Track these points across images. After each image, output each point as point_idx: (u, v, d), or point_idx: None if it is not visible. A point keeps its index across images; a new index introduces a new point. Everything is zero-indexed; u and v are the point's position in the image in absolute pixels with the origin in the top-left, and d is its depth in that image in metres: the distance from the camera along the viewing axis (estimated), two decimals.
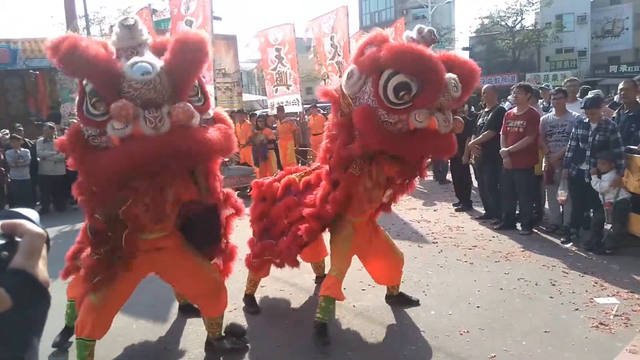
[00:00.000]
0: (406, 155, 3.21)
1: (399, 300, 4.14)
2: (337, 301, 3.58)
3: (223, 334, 3.48)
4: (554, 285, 4.44)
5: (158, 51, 2.58)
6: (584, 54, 34.77)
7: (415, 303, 4.12)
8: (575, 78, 7.69)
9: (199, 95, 2.74)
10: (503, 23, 35.34)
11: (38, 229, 0.66)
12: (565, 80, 7.19)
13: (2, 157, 8.62)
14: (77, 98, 2.64)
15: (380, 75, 2.90)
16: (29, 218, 0.68)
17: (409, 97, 2.85)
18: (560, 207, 6.15)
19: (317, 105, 12.31)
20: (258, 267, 3.89)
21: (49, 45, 2.44)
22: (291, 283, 4.68)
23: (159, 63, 2.43)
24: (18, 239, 0.64)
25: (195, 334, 3.76)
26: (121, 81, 2.36)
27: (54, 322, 3.48)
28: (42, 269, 0.65)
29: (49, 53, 2.44)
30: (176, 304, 4.20)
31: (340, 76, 12.36)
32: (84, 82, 2.53)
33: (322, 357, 3.39)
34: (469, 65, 3.03)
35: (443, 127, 2.91)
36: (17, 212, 0.69)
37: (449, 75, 2.83)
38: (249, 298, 4.19)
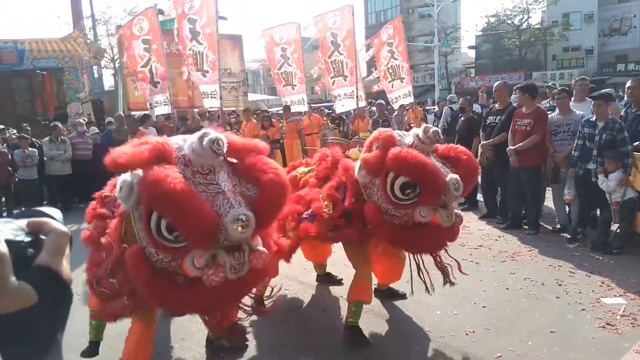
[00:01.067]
0: (409, 250, 3.51)
1: (386, 294, 4.23)
2: (341, 300, 3.56)
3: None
4: (560, 285, 4.42)
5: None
6: (591, 52, 34.57)
7: (402, 296, 4.20)
8: (585, 77, 7.60)
9: None
10: (509, 21, 35.22)
11: (63, 228, 0.68)
12: (576, 79, 7.12)
13: (9, 156, 8.69)
14: (138, 216, 2.29)
15: (387, 175, 3.10)
16: (53, 217, 0.70)
17: (414, 194, 3.03)
18: (567, 206, 6.12)
19: (314, 105, 12.33)
20: None
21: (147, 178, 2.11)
22: (299, 281, 4.69)
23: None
24: (43, 237, 0.65)
25: (201, 332, 3.77)
26: (219, 232, 2.13)
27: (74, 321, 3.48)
28: (65, 267, 0.66)
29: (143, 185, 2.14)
30: None
31: (333, 76, 12.39)
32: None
33: (328, 356, 3.39)
34: (473, 165, 3.29)
35: (446, 221, 3.08)
36: (42, 211, 0.71)
37: (450, 176, 3.02)
38: (259, 301, 4.16)
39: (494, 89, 6.85)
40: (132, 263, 2.29)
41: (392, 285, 4.27)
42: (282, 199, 2.39)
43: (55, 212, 0.72)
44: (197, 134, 2.27)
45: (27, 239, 0.64)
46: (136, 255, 2.29)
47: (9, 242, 0.60)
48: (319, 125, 11.65)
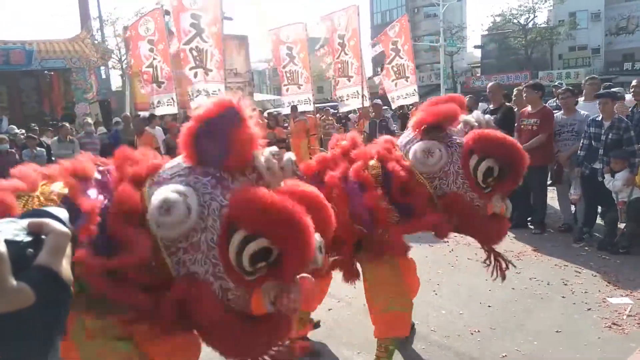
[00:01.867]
0: (487, 242, 3.19)
1: None
2: (346, 300, 3.48)
3: None
4: (566, 284, 4.42)
5: None
6: (597, 51, 34.40)
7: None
8: (595, 76, 7.50)
9: None
10: (515, 21, 35.08)
11: (63, 228, 0.67)
12: (586, 78, 7.08)
13: (17, 156, 8.76)
14: (206, 231, 1.75)
15: (470, 158, 2.77)
16: (58, 217, 0.69)
17: (493, 182, 2.78)
18: (573, 205, 6.11)
19: (320, 105, 12.32)
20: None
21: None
22: None
23: None
24: (44, 237, 0.65)
25: None
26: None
27: None
28: (65, 267, 0.66)
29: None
30: None
31: (339, 76, 12.29)
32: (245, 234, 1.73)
33: (334, 356, 3.40)
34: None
35: (508, 212, 2.94)
36: (46, 211, 0.70)
37: None
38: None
39: (487, 90, 6.87)
40: (210, 305, 1.78)
41: None
42: (330, 212, 2.01)
43: (61, 212, 0.71)
44: (268, 151, 1.91)
45: (27, 239, 0.64)
46: (210, 295, 1.79)
47: (8, 242, 0.60)
48: (315, 126, 11.48)
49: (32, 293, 0.60)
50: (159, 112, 10.44)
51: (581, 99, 6.70)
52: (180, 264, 1.77)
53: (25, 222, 0.66)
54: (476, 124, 2.88)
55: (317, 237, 1.80)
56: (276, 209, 1.68)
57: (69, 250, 0.68)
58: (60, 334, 0.67)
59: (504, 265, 3.35)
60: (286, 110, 12.36)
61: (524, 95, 6.18)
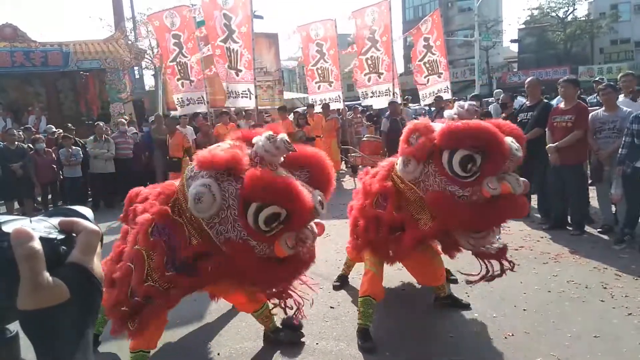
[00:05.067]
0: (489, 227, 3.16)
1: (448, 303, 4.02)
2: (380, 302, 3.53)
3: (279, 325, 3.58)
4: (605, 288, 4.24)
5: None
6: None
7: (466, 307, 3.99)
8: (631, 72, 7.20)
9: None
10: (554, 14, 34.12)
11: (94, 227, 0.69)
12: (620, 75, 6.82)
13: (53, 155, 9.03)
14: (230, 209, 2.41)
15: (441, 156, 2.95)
16: (85, 215, 0.71)
17: (476, 168, 2.88)
18: (613, 206, 5.86)
19: (349, 102, 12.20)
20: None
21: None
22: (331, 280, 4.67)
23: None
24: (74, 235, 0.67)
25: (236, 329, 3.81)
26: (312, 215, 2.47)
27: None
28: (97, 264, 0.68)
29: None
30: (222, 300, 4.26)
31: (367, 73, 12.13)
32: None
33: (358, 356, 3.35)
34: (517, 132, 3.10)
35: (517, 188, 2.93)
36: (74, 210, 0.72)
37: (507, 139, 2.89)
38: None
39: (525, 85, 6.67)
40: (244, 257, 2.47)
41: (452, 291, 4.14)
42: (330, 170, 2.70)
43: (87, 211, 0.73)
44: (264, 136, 2.48)
45: (60, 237, 0.65)
46: (246, 250, 2.47)
47: (42, 240, 0.62)
48: (321, 126, 11.11)
49: (67, 290, 0.62)
50: (188, 110, 10.56)
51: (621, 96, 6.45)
52: (219, 234, 2.47)
53: (55, 220, 0.68)
54: (456, 116, 3.09)
55: (317, 194, 2.49)
56: (275, 183, 2.31)
57: (99, 248, 0.70)
58: (92, 329, 0.68)
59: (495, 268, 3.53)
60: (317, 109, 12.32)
61: (561, 90, 5.96)
